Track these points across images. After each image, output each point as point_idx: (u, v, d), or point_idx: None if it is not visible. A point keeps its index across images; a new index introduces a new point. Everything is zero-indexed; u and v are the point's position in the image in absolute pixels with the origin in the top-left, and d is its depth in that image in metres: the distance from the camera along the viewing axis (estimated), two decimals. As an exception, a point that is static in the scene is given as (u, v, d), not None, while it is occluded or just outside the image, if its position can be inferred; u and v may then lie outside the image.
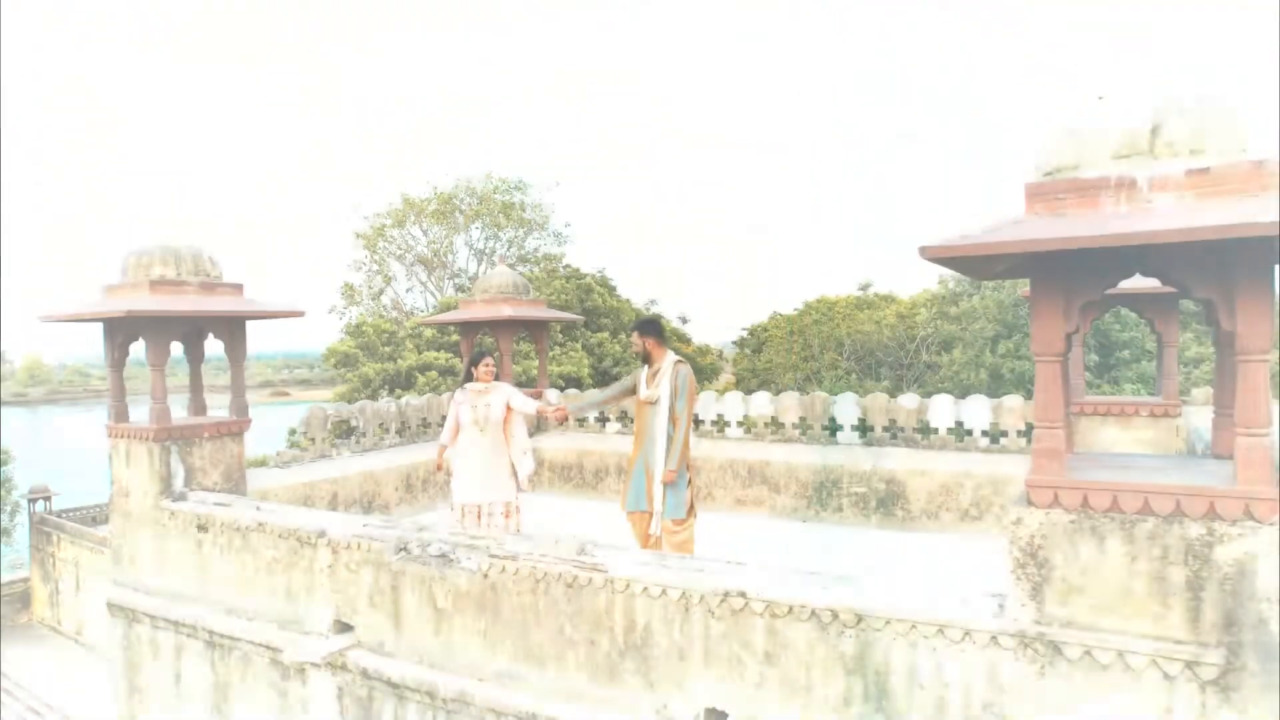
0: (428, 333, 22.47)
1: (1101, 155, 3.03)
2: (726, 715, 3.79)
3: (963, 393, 14.30)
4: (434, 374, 21.39)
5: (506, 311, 8.72)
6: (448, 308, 23.04)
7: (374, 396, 20.28)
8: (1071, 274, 3.08)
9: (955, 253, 2.99)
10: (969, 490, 6.90)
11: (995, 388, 16.41)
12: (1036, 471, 3.15)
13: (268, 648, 5.39)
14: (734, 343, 30.44)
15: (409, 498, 8.11)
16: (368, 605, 4.94)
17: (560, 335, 22.21)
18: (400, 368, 21.39)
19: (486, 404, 6.12)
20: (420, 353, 21.87)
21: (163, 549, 6.04)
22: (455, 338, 22.60)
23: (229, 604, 5.65)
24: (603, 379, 21.65)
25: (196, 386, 6.73)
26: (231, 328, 6.41)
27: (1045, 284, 3.11)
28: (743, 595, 3.71)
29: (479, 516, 6.13)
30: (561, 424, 8.40)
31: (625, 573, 4.04)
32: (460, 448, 6.12)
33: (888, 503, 7.21)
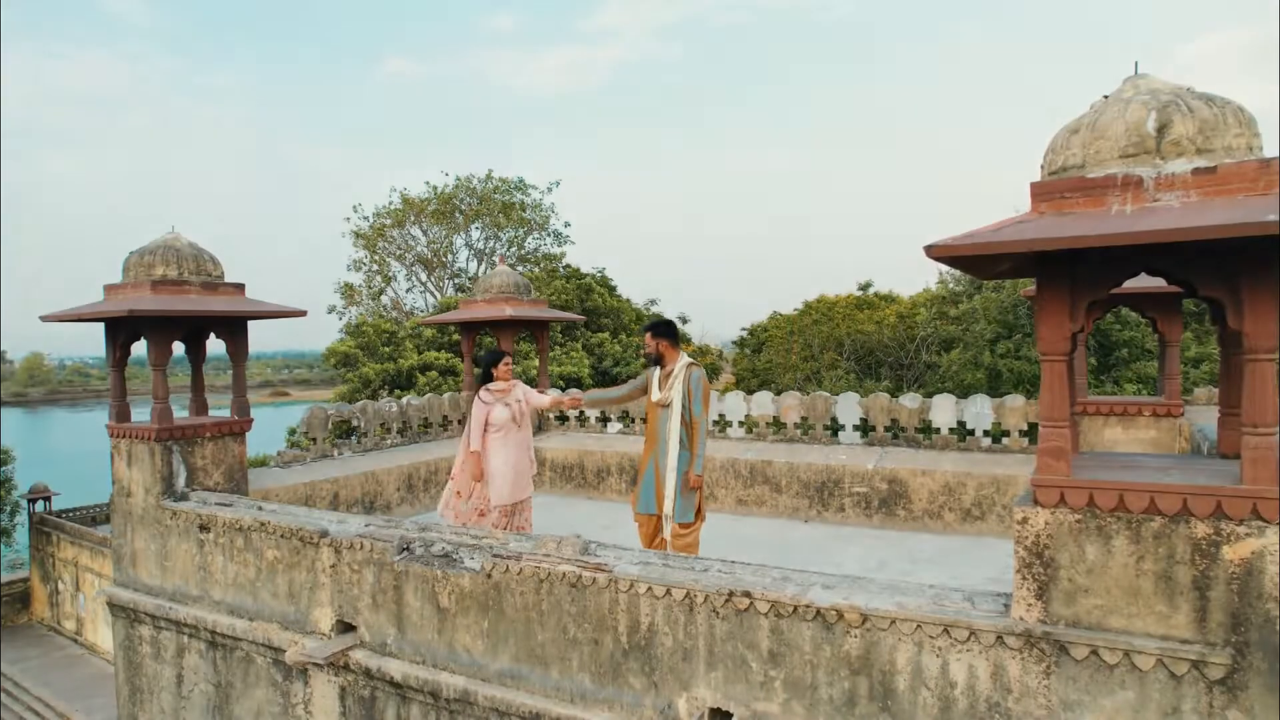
0: (428, 333, 22.46)
1: (1108, 154, 3.03)
2: (731, 715, 3.78)
3: (962, 393, 14.30)
4: (434, 374, 21.38)
5: (508, 311, 8.71)
6: (448, 307, 23.03)
7: (374, 396, 20.27)
8: (1078, 273, 3.07)
9: (961, 251, 2.98)
10: (971, 490, 6.89)
11: (994, 388, 16.40)
12: (1042, 471, 3.15)
13: (270, 648, 5.39)
14: (733, 343, 30.42)
15: (410, 498, 8.10)
16: (370, 605, 4.93)
17: (560, 335, 22.21)
18: (401, 368, 21.39)
19: (517, 400, 6.14)
20: (420, 353, 21.86)
21: (164, 549, 6.03)
22: (456, 338, 22.59)
23: (231, 604, 5.64)
24: (603, 379, 21.65)
25: (198, 386, 6.72)
26: (233, 327, 6.40)
27: (1051, 283, 3.11)
28: (747, 595, 3.71)
29: (511, 515, 6.13)
30: (574, 409, 8.46)
31: (629, 573, 4.03)
32: (492, 449, 6.07)
33: (890, 503, 7.20)
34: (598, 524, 7.38)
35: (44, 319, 6.16)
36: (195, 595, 5.86)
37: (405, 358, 21.58)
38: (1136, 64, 3.26)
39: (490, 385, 6.18)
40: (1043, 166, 3.33)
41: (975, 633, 3.27)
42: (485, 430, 6.07)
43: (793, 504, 7.64)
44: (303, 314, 6.65)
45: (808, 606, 3.58)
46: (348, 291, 25.03)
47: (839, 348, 23.30)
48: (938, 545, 6.72)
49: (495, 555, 4.47)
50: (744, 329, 29.86)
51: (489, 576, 4.45)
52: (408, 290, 25.93)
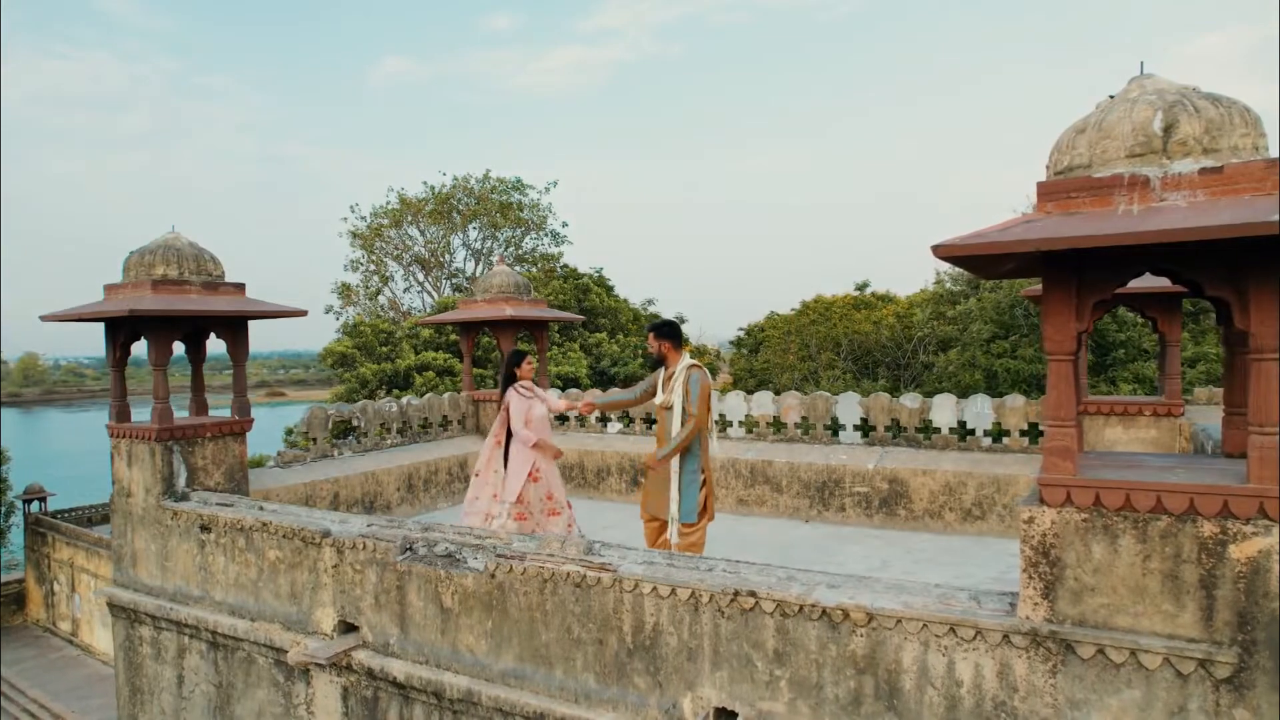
0: (425, 333, 22.43)
1: (1114, 154, 3.03)
2: (736, 715, 3.78)
3: (960, 393, 14.33)
4: (431, 374, 21.35)
5: (508, 311, 8.70)
6: (445, 308, 22.99)
7: (371, 396, 20.24)
8: (1085, 273, 3.08)
9: (968, 251, 2.98)
10: (971, 490, 6.90)
11: (991, 387, 16.44)
12: (1049, 470, 3.15)
13: (271, 648, 5.38)
14: (730, 343, 30.43)
15: (410, 498, 8.09)
16: (373, 605, 4.92)
17: (558, 335, 22.18)
18: (398, 368, 21.35)
19: (543, 399, 6.22)
20: (418, 353, 21.82)
21: (165, 549, 6.01)
22: (454, 338, 22.54)
23: (233, 604, 5.63)
24: (600, 379, 21.64)
25: (198, 386, 6.71)
26: (234, 327, 6.39)
27: (1058, 282, 3.11)
28: (753, 595, 3.71)
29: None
30: (587, 415, 8.48)
31: (634, 572, 4.03)
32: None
33: (890, 502, 7.21)
34: (599, 524, 7.38)
35: (44, 319, 6.14)
36: (196, 596, 5.85)
37: (403, 358, 21.55)
38: (1142, 64, 3.27)
39: (519, 384, 6.18)
40: (1048, 166, 3.33)
41: (981, 632, 3.28)
42: (526, 425, 6.07)
43: (793, 504, 7.64)
44: (303, 314, 6.64)
45: (813, 606, 3.58)
46: (345, 292, 24.97)
47: (836, 348, 23.33)
48: (939, 545, 6.72)
49: (499, 555, 4.47)
50: (741, 329, 29.88)
51: (493, 576, 4.45)
52: (405, 290, 25.92)
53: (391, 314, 25.26)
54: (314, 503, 7.11)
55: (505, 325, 9.02)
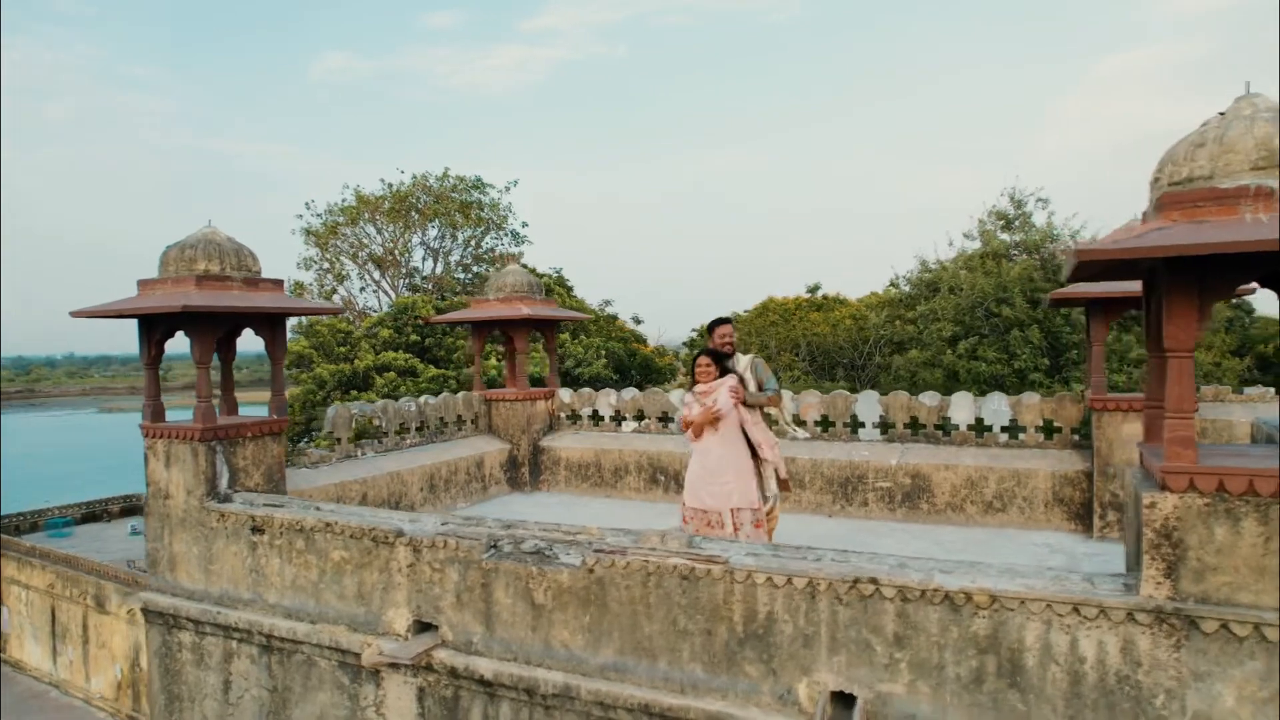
0: (384, 333, 21.95)
1: (1238, 167, 3.29)
2: (854, 698, 3.93)
3: (916, 391, 14.84)
4: (392, 375, 20.91)
5: (524, 311, 8.69)
6: (403, 308, 22.57)
7: (329, 398, 19.70)
8: (1206, 276, 3.33)
9: (1113, 255, 3.20)
10: (992, 483, 7.23)
11: (951, 387, 17.05)
12: (1172, 459, 3.39)
13: (337, 650, 5.28)
14: (684, 344, 30.69)
15: (432, 498, 8.01)
16: (454, 604, 4.90)
17: (521, 336, 21.95)
18: (356, 368, 20.84)
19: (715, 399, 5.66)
20: (377, 354, 21.34)
21: (209, 552, 5.83)
22: (414, 338, 22.12)
23: (289, 607, 5.51)
24: (565, 379, 21.57)
25: (228, 385, 6.54)
26: (273, 324, 6.25)
27: (1182, 285, 3.35)
28: (873, 582, 3.86)
29: (702, 523, 5.83)
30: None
31: (746, 564, 4.14)
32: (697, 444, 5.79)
33: (913, 496, 7.49)
34: (620, 523, 7.43)
35: (75, 315, 5.89)
36: (246, 599, 5.69)
37: (361, 359, 21.04)
38: (1248, 84, 3.54)
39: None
40: (1160, 178, 3.58)
41: (1105, 610, 3.50)
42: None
43: (816, 499, 7.85)
44: (340, 311, 6.54)
45: (936, 590, 3.76)
46: (298, 291, 24.22)
47: (795, 349, 23.81)
48: (964, 537, 7.02)
49: (597, 551, 4.52)
50: (694, 330, 30.14)
51: (591, 571, 4.49)
52: (361, 290, 25.32)
53: (347, 314, 24.62)
54: (344, 503, 6.97)
55: (519, 324, 8.99)
